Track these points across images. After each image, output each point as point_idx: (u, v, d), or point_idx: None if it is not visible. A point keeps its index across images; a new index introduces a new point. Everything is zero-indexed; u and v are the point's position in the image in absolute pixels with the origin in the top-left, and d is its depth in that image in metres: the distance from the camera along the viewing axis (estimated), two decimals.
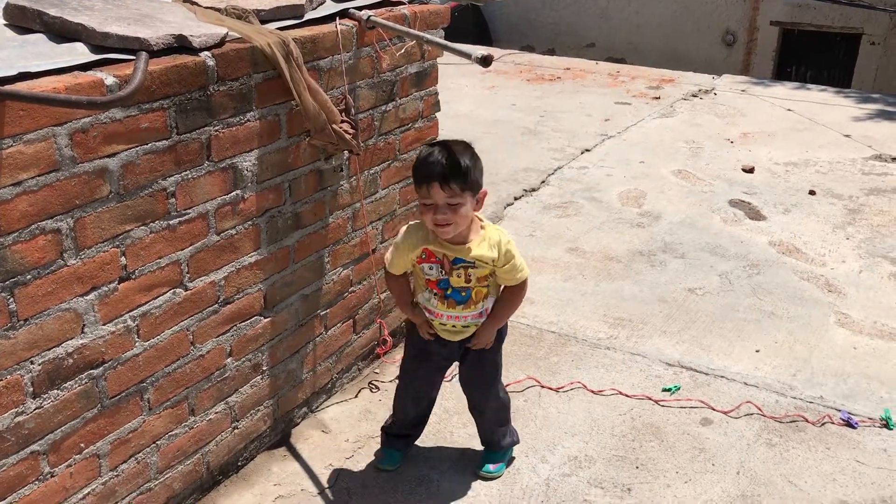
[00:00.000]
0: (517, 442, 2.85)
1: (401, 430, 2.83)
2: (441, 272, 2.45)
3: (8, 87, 1.78)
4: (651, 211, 4.95)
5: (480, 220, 2.48)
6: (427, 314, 2.55)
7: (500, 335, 2.66)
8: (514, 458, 2.86)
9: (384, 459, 2.83)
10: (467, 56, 2.34)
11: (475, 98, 7.28)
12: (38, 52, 2.04)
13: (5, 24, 2.22)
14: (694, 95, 7.47)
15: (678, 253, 4.42)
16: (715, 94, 7.55)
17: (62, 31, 2.15)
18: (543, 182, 5.35)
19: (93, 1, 2.34)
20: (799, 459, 2.89)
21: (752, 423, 3.06)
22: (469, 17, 13.31)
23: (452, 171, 2.27)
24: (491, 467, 2.78)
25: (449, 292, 2.46)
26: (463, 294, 2.46)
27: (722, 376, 3.34)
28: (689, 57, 12.54)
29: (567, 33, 13.86)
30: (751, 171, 5.59)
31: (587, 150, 5.97)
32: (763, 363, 3.44)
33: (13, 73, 1.87)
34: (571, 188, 5.27)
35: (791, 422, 3.07)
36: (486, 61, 2.29)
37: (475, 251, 2.41)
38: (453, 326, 2.54)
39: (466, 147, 2.38)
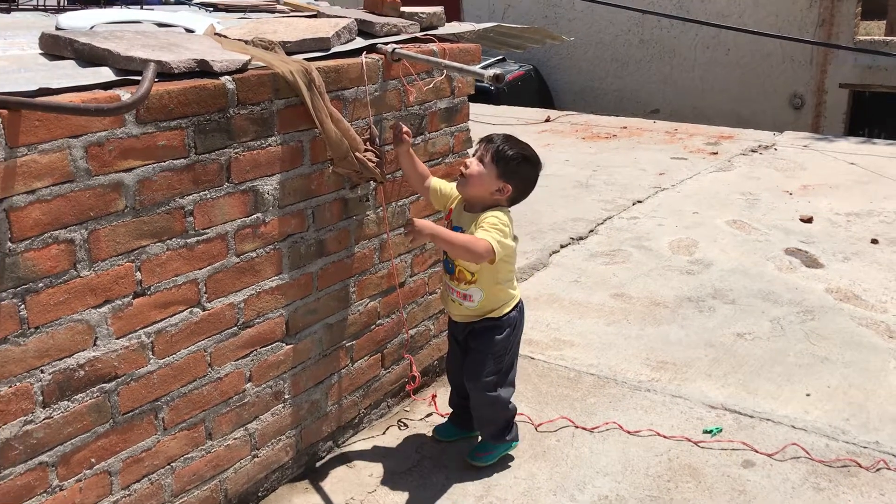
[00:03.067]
0: (510, 441, 2.94)
1: (453, 404, 3.04)
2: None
3: (21, 98, 1.85)
4: (702, 259, 4.82)
5: (501, 208, 2.70)
6: (444, 287, 2.87)
7: (497, 336, 2.76)
8: (511, 455, 2.95)
9: (439, 427, 3.09)
10: (481, 76, 2.35)
11: None
12: (64, 74, 2.13)
13: (40, 53, 2.34)
14: (753, 151, 7.34)
15: (728, 299, 4.27)
16: (775, 149, 7.41)
17: (90, 57, 2.25)
18: (592, 231, 5.28)
19: (124, 32, 2.46)
20: None
21: (799, 467, 2.88)
22: (533, 85, 13.47)
23: (496, 142, 2.65)
24: (476, 454, 2.92)
25: (444, 258, 2.81)
26: (450, 265, 2.76)
27: (768, 419, 3.17)
28: (755, 121, 12.35)
29: (631, 100, 13.88)
30: (809, 220, 5.41)
31: (639, 202, 5.89)
32: (813, 407, 3.25)
33: (34, 88, 1.96)
34: (620, 237, 5.19)
35: (842, 466, 2.88)
36: (498, 79, 2.30)
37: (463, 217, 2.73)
38: (453, 300, 2.80)
39: (528, 148, 2.72)
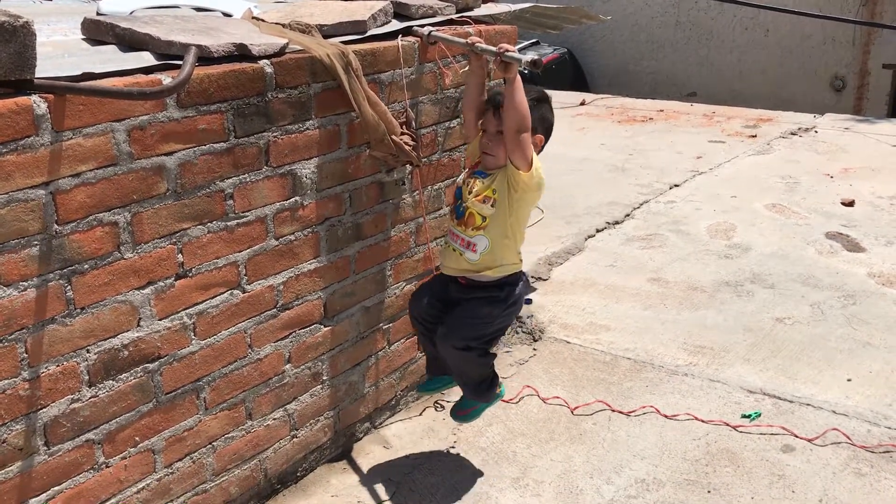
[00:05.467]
0: (489, 402, 2.78)
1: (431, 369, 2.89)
2: (464, 175, 2.66)
3: (68, 83, 1.88)
4: (741, 243, 4.77)
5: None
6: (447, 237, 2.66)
7: (487, 307, 2.56)
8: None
9: (421, 386, 2.99)
10: (518, 61, 2.34)
11: (564, 139, 7.22)
12: (106, 59, 2.16)
13: (82, 39, 2.37)
14: (793, 133, 7.23)
15: (767, 283, 4.22)
16: (816, 132, 7.28)
17: (131, 42, 2.27)
18: (628, 215, 5.24)
19: (163, 17, 2.48)
20: (892, 490, 2.66)
21: (839, 452, 2.85)
22: (568, 68, 13.34)
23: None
24: (458, 413, 2.82)
25: (457, 204, 2.61)
26: (461, 208, 2.57)
27: (808, 404, 3.13)
28: (795, 103, 12.12)
29: (667, 83, 13.70)
30: (850, 204, 5.32)
31: (676, 186, 5.83)
32: (855, 392, 3.21)
33: (78, 72, 1.99)
34: (657, 221, 5.14)
35: (884, 452, 2.84)
36: (535, 64, 2.29)
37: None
38: (454, 250, 2.58)
39: (539, 94, 2.59)
